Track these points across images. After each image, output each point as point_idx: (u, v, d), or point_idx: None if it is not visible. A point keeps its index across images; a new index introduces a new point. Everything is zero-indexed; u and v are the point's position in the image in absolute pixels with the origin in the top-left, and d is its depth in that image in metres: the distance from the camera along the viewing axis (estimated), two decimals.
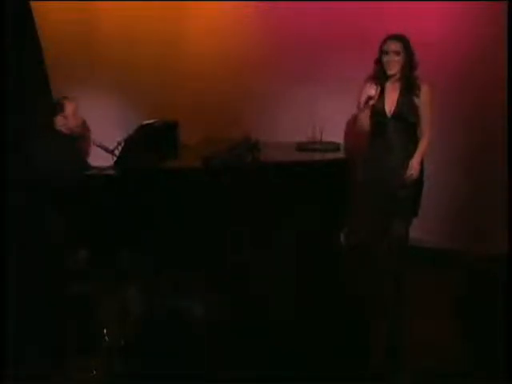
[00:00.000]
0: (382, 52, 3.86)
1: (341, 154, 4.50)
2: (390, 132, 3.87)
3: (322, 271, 4.07)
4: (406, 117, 3.85)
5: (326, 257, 4.11)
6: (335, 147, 4.68)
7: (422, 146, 3.88)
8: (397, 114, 3.85)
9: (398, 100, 3.86)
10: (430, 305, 4.11)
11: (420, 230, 4.31)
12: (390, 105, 3.87)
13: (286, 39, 5.22)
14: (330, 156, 4.50)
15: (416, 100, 3.85)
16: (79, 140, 4.58)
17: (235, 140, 4.30)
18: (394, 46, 3.83)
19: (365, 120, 3.89)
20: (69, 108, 4.35)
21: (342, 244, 4.21)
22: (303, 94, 5.22)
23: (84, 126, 4.66)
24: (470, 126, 4.90)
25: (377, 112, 3.88)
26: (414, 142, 3.90)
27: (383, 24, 4.45)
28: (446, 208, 5.02)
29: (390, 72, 3.85)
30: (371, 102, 3.82)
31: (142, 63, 5.44)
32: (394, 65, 3.83)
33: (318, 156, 4.52)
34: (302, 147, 4.69)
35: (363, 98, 3.83)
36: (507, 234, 4.06)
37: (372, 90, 3.82)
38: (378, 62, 3.88)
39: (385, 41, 3.87)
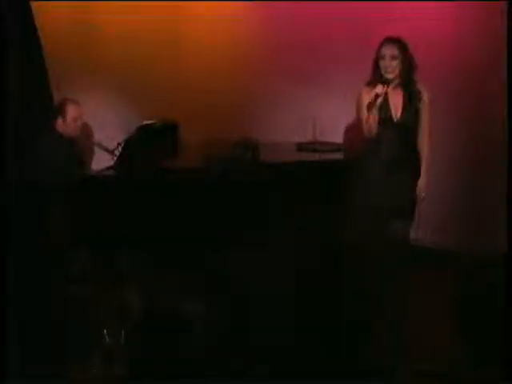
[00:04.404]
0: (379, 56, 3.77)
1: (340, 155, 4.50)
2: (394, 138, 3.82)
3: (321, 271, 4.07)
4: (411, 123, 3.82)
5: (326, 257, 4.11)
6: (335, 147, 4.68)
7: (426, 159, 3.88)
8: (403, 122, 3.80)
9: (403, 107, 3.80)
10: (430, 305, 4.11)
11: (420, 230, 4.31)
12: (395, 111, 3.81)
13: (286, 39, 5.22)
14: (330, 156, 4.50)
15: (418, 105, 3.81)
16: (79, 143, 4.57)
17: (235, 140, 4.30)
18: (391, 50, 3.74)
19: (373, 123, 3.76)
20: (70, 111, 4.31)
21: (341, 244, 4.21)
22: (303, 94, 5.22)
23: (85, 130, 4.65)
24: (469, 126, 4.91)
25: (384, 119, 3.79)
26: (414, 145, 3.88)
27: (384, 24, 4.45)
28: (446, 208, 5.02)
29: (388, 76, 3.76)
30: (379, 100, 3.72)
31: (142, 63, 5.44)
32: (391, 70, 3.75)
33: (317, 156, 4.53)
34: (301, 147, 4.70)
35: (371, 99, 3.70)
36: (507, 234, 4.05)
37: (380, 88, 3.71)
38: (376, 65, 3.80)
39: (381, 44, 3.78)
